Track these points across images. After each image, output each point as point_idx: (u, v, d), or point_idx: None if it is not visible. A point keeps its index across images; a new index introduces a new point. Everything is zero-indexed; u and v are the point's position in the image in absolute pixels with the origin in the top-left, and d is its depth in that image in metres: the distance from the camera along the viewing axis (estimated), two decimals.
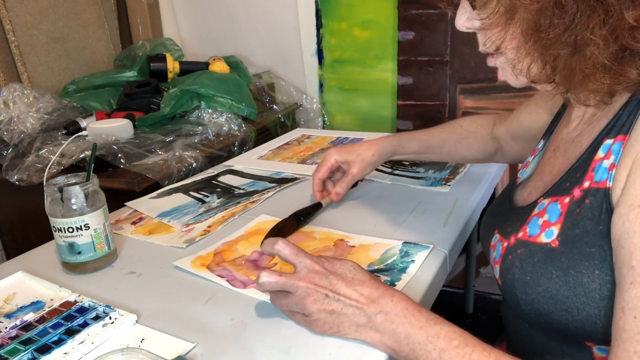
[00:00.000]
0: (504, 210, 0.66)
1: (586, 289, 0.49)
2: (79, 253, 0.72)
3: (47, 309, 0.63)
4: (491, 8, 0.50)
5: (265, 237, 0.80)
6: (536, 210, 0.57)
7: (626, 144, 0.49)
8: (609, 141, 0.51)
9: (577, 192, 0.52)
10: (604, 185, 0.49)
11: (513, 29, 0.50)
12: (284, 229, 0.83)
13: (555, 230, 0.53)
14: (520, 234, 0.57)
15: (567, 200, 0.53)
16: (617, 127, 0.51)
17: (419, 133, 0.93)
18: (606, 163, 0.50)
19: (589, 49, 0.46)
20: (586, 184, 0.51)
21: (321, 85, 1.77)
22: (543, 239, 0.53)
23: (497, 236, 0.62)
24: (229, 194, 1.02)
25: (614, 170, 0.49)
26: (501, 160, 0.95)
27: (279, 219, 0.87)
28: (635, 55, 0.46)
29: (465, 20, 0.55)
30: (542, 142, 0.70)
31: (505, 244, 0.59)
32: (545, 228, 0.54)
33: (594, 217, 0.49)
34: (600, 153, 0.51)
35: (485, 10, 0.51)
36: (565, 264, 0.50)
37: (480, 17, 0.52)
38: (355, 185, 0.97)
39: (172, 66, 1.56)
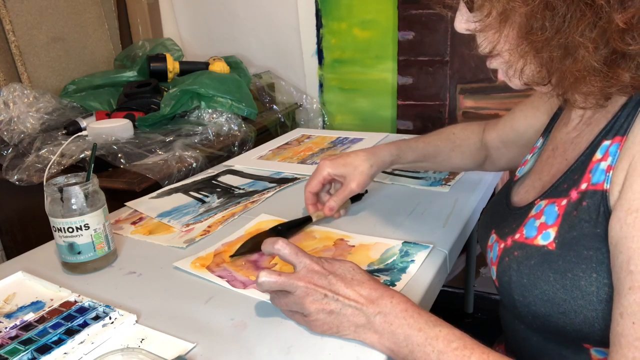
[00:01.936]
0: (501, 210, 0.66)
1: (583, 292, 0.49)
2: (79, 253, 0.72)
3: (47, 309, 0.63)
4: (486, 10, 0.51)
5: (240, 248, 0.77)
6: (533, 212, 0.57)
7: (623, 146, 0.48)
8: (606, 142, 0.51)
9: (574, 194, 0.52)
10: (602, 188, 0.49)
11: (507, 32, 0.51)
12: (260, 239, 0.76)
13: (552, 232, 0.52)
14: (517, 236, 0.57)
15: (564, 202, 0.53)
16: (615, 129, 0.51)
17: (415, 141, 0.89)
18: (603, 165, 0.50)
19: (580, 52, 0.46)
20: (583, 186, 0.51)
21: (321, 85, 1.77)
22: (540, 241, 0.53)
23: (493, 236, 0.62)
24: (229, 194, 1.02)
25: (611, 172, 0.48)
26: (490, 168, 0.92)
27: (279, 219, 0.87)
28: (627, 58, 0.46)
29: (463, 22, 0.55)
30: (541, 140, 0.70)
31: (502, 245, 0.59)
32: (542, 230, 0.54)
33: (591, 219, 0.49)
34: (598, 154, 0.51)
35: (480, 12, 0.52)
36: (563, 266, 0.50)
37: (476, 19, 0.52)
38: (359, 198, 0.93)
39: (172, 66, 1.56)
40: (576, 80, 0.48)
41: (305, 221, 0.84)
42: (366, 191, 0.94)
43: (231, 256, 0.76)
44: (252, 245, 0.77)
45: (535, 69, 0.52)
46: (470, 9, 0.53)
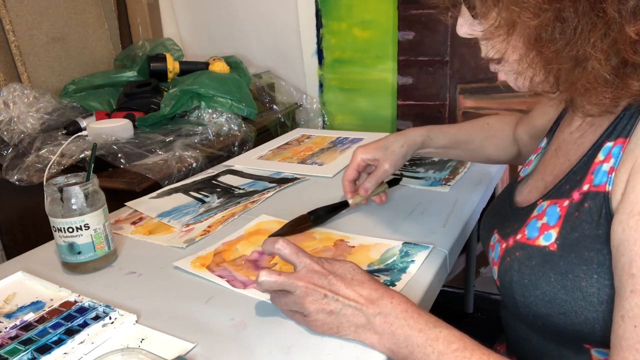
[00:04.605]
0: (503, 210, 0.66)
1: (584, 293, 0.49)
2: (79, 253, 0.72)
3: (47, 309, 0.63)
4: (492, 18, 0.50)
5: (279, 231, 0.81)
6: (535, 213, 0.57)
7: (626, 148, 0.48)
8: (609, 144, 0.51)
9: (576, 196, 0.52)
10: (603, 189, 0.49)
11: (515, 41, 0.50)
12: (297, 224, 0.82)
13: (553, 233, 0.52)
14: (518, 236, 0.57)
15: (566, 203, 0.53)
16: (618, 130, 0.51)
17: (447, 127, 0.90)
18: (606, 166, 0.50)
19: (591, 63, 0.46)
20: (585, 187, 0.51)
21: (321, 85, 1.77)
22: (541, 242, 0.53)
23: (496, 236, 0.62)
24: (229, 194, 1.02)
25: (614, 174, 0.48)
26: (522, 162, 0.91)
27: (279, 220, 0.87)
28: (637, 68, 0.45)
29: (466, 27, 0.55)
30: (545, 141, 0.70)
31: (504, 245, 0.59)
32: (543, 231, 0.54)
33: (592, 221, 0.49)
34: (601, 156, 0.51)
35: (486, 20, 0.51)
36: (564, 267, 0.50)
37: (481, 27, 0.52)
38: (396, 183, 0.95)
39: (172, 66, 1.56)
40: (586, 91, 0.48)
41: (343, 205, 0.87)
42: (402, 176, 0.96)
43: (270, 236, 0.79)
44: (288, 229, 0.81)
45: (545, 77, 0.51)
46: (474, 16, 0.53)
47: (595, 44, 0.45)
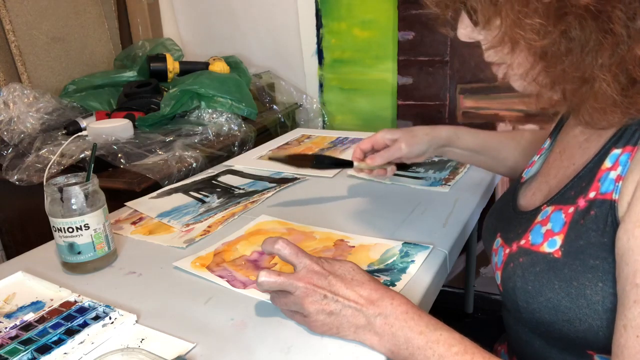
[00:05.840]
0: (507, 213, 0.65)
1: (589, 301, 0.48)
2: (79, 253, 0.72)
3: (47, 309, 0.63)
4: (495, 28, 0.49)
5: (284, 160, 0.83)
6: (539, 218, 0.56)
7: (634, 156, 0.48)
8: (617, 151, 0.50)
9: (582, 202, 0.51)
10: (610, 197, 0.48)
11: (519, 58, 0.50)
12: (299, 159, 0.86)
13: (558, 240, 0.52)
14: (522, 242, 0.56)
15: (571, 210, 0.52)
16: (626, 137, 0.50)
17: (477, 130, 0.87)
18: (613, 174, 0.49)
19: (598, 84, 0.45)
20: (591, 195, 0.51)
21: (321, 85, 1.77)
22: (546, 248, 0.53)
23: (499, 240, 0.62)
24: (229, 194, 1.02)
25: (621, 182, 0.48)
26: None
27: (279, 220, 0.87)
28: None
29: (469, 32, 0.54)
30: (548, 142, 0.69)
31: (507, 250, 0.59)
32: (548, 237, 0.53)
33: (598, 229, 0.49)
34: (608, 163, 0.50)
35: (488, 28, 0.51)
36: (568, 275, 0.50)
37: (482, 36, 0.52)
38: (405, 168, 0.93)
39: (172, 66, 1.56)
40: (594, 110, 0.48)
41: (347, 163, 0.89)
42: (412, 165, 0.97)
43: (269, 157, 0.83)
44: (288, 159, 0.84)
45: (553, 94, 0.51)
46: (475, 24, 0.52)
47: (603, 65, 0.44)
